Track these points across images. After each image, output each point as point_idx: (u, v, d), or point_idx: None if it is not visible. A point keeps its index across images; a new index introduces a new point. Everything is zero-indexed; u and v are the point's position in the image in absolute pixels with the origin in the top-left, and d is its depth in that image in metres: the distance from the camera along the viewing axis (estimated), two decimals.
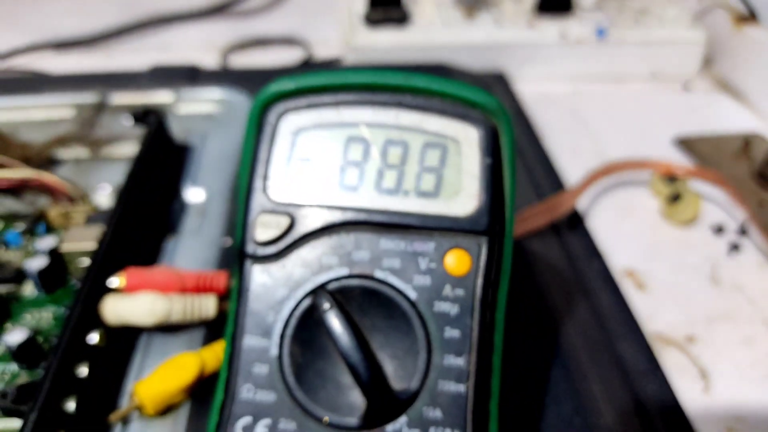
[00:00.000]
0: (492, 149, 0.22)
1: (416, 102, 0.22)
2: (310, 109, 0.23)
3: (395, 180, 0.23)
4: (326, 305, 0.21)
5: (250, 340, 0.22)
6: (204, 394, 0.29)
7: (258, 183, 0.23)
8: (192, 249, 0.37)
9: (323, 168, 0.23)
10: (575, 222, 0.42)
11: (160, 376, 0.28)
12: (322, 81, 0.23)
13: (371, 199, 0.22)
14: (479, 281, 0.22)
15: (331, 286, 0.22)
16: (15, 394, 0.27)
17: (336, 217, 0.22)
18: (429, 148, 0.23)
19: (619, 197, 0.47)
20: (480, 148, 0.22)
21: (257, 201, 0.23)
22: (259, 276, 0.22)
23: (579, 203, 0.44)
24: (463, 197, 0.22)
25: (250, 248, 0.23)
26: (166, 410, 0.28)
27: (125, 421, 0.28)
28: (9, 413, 0.27)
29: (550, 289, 0.36)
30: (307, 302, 0.22)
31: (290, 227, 0.23)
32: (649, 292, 0.39)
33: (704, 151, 0.51)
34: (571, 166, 0.48)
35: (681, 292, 0.39)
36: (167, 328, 0.31)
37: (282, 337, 0.22)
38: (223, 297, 0.32)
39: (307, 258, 0.22)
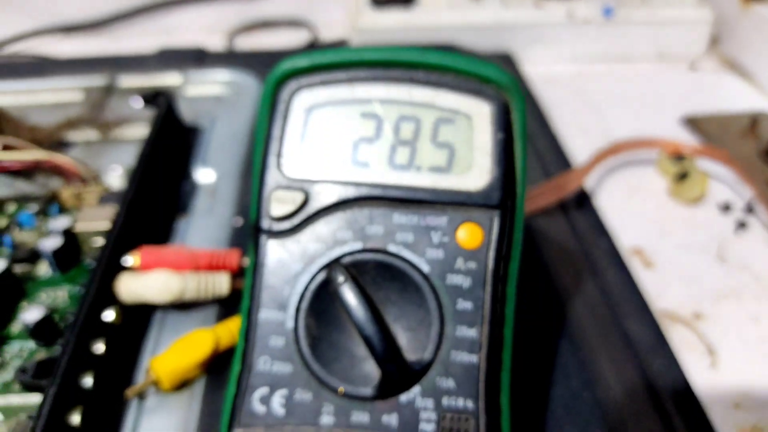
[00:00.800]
0: (504, 124, 0.22)
1: (429, 78, 0.23)
2: (324, 86, 0.23)
3: (408, 155, 0.23)
4: (341, 278, 0.22)
5: (266, 314, 0.22)
6: (219, 370, 0.29)
7: (272, 160, 0.23)
8: (203, 229, 0.37)
9: (337, 144, 0.23)
10: (582, 201, 0.42)
11: (175, 352, 0.28)
12: (336, 58, 0.23)
13: (384, 175, 0.23)
14: (491, 254, 0.22)
15: (346, 260, 0.22)
16: (34, 370, 0.27)
17: (349, 192, 0.23)
18: (441, 123, 0.23)
19: (626, 176, 0.47)
20: (492, 123, 0.22)
21: (272, 177, 0.23)
22: (274, 251, 0.23)
23: (586, 182, 0.44)
24: (476, 172, 0.22)
25: (265, 224, 0.23)
26: (182, 385, 0.29)
27: (142, 396, 0.29)
28: (29, 388, 0.28)
29: (557, 266, 0.37)
30: (321, 276, 0.22)
31: (304, 203, 0.23)
32: (657, 270, 0.40)
33: (711, 131, 0.51)
34: (578, 146, 0.49)
35: (688, 270, 0.40)
36: (181, 306, 0.32)
37: (297, 310, 0.22)
38: (236, 275, 0.32)
39: (321, 233, 0.23)
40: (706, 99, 0.56)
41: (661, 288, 0.38)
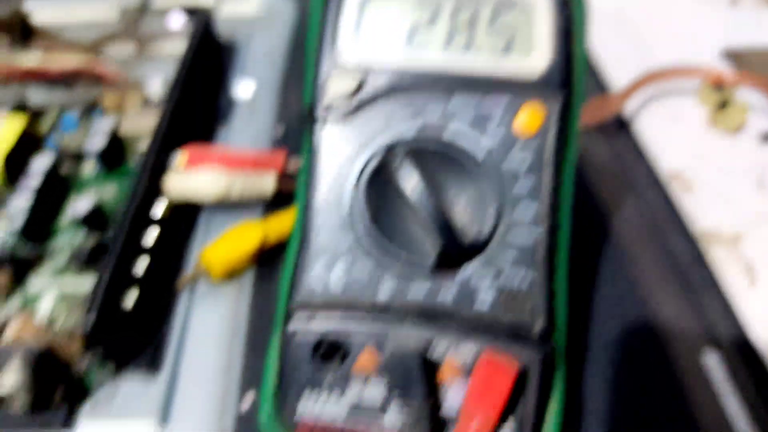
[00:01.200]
0: (564, 7, 0.22)
1: None
2: None
3: (466, 40, 0.23)
4: (397, 160, 0.22)
5: (323, 194, 0.23)
6: (268, 263, 0.30)
7: (327, 43, 0.23)
8: (244, 139, 0.38)
9: (393, 29, 0.23)
10: (622, 125, 0.42)
11: (225, 242, 0.29)
12: None
13: (441, 60, 0.23)
14: (549, 137, 0.22)
15: (401, 144, 0.22)
16: (88, 254, 0.28)
17: (405, 77, 0.23)
18: (501, 7, 0.23)
19: (666, 104, 0.46)
20: (552, 7, 0.22)
21: (327, 61, 0.23)
22: (329, 136, 0.23)
23: (626, 108, 0.43)
24: (535, 56, 0.22)
25: (321, 109, 0.23)
26: (232, 276, 0.29)
27: (193, 285, 0.29)
28: (82, 272, 0.28)
29: (597, 185, 0.37)
30: (377, 160, 0.22)
31: (360, 88, 0.23)
32: (696, 193, 0.39)
33: (751, 64, 0.50)
34: (617, 77, 0.48)
35: (728, 195, 0.39)
36: (227, 206, 0.32)
37: (354, 193, 0.22)
38: (282, 176, 0.32)
39: (376, 118, 0.23)
40: (747, 34, 0.54)
41: (701, 211, 0.38)
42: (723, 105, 0.44)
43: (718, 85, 0.45)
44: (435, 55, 0.23)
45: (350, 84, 0.23)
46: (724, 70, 0.46)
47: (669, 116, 0.45)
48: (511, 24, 0.22)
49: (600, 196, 0.36)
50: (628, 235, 0.34)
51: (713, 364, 0.28)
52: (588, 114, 0.41)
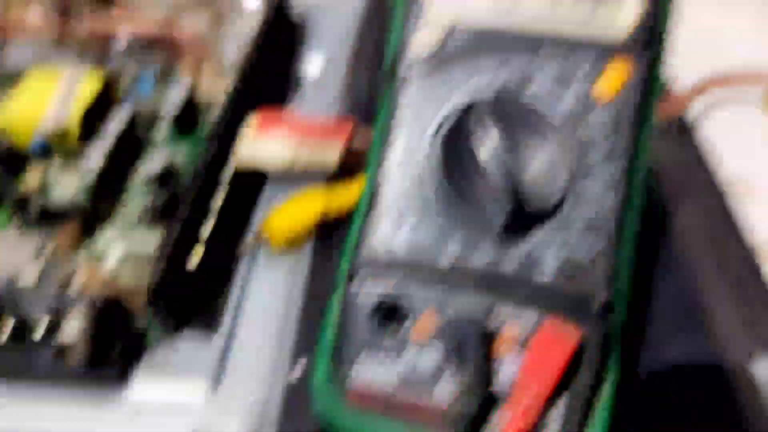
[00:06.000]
0: None
1: None
2: None
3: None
4: (473, 121, 0.21)
5: (398, 150, 0.22)
6: (328, 235, 0.29)
7: (413, 5, 0.23)
8: (313, 112, 0.37)
9: None
10: (684, 127, 0.40)
11: (287, 210, 0.29)
12: None
13: (528, 15, 0.22)
14: (631, 100, 0.21)
15: (479, 104, 0.22)
16: (157, 212, 0.28)
17: (488, 36, 0.22)
18: None
19: (730, 110, 0.44)
20: None
21: (413, 18, 0.23)
22: (409, 93, 0.23)
23: (690, 110, 0.42)
24: (624, 11, 0.21)
25: (402, 67, 0.23)
26: (293, 245, 0.29)
27: (254, 252, 0.29)
28: (151, 227, 0.29)
29: (655, 187, 0.36)
30: (454, 119, 0.22)
31: (442, 46, 0.22)
32: (756, 202, 0.38)
33: None
34: (682, 76, 0.46)
35: None
36: (291, 176, 0.32)
37: (429, 151, 0.22)
38: (347, 148, 0.32)
39: (456, 77, 0.22)
40: None
41: (759, 220, 0.36)
42: None
43: None
44: (522, 10, 0.22)
45: (435, 40, 0.23)
46: None
47: (733, 122, 0.44)
48: None
49: (659, 198, 0.35)
50: (686, 239, 0.33)
51: (764, 372, 0.27)
52: None
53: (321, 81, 0.41)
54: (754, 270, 0.31)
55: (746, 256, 0.32)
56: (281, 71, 0.42)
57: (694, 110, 0.43)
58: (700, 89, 0.42)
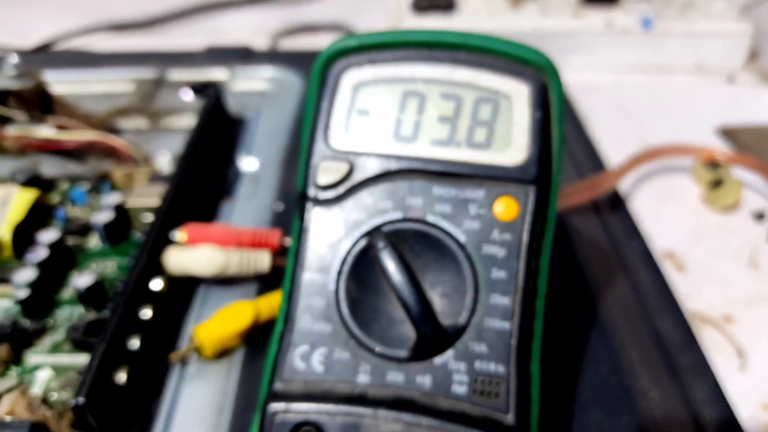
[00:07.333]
0: (542, 104, 0.23)
1: (470, 59, 0.24)
2: (371, 64, 0.24)
3: (448, 132, 0.24)
4: (381, 244, 0.23)
5: (309, 276, 0.23)
6: (258, 342, 0.30)
7: (320, 132, 0.25)
8: (246, 213, 0.39)
9: (381, 119, 0.24)
10: (616, 203, 0.42)
11: (218, 320, 0.29)
12: (383, 38, 0.24)
13: (425, 149, 0.24)
14: (526, 227, 0.23)
15: (386, 228, 0.23)
16: (84, 328, 0.29)
17: (392, 165, 0.24)
18: (481, 102, 0.24)
19: (660, 182, 0.47)
20: (530, 102, 0.24)
21: (319, 148, 0.24)
22: (319, 217, 0.24)
23: (621, 186, 0.44)
24: (513, 149, 0.23)
25: (312, 192, 0.24)
26: (223, 354, 0.30)
27: (184, 362, 0.30)
28: (78, 347, 0.29)
29: (589, 263, 0.37)
30: (363, 242, 0.23)
31: (349, 173, 0.24)
32: (689, 273, 0.40)
33: (746, 141, 0.51)
34: (614, 154, 0.49)
35: (720, 275, 0.40)
36: (224, 281, 0.33)
37: (339, 274, 0.23)
38: (277, 253, 0.33)
39: (364, 202, 0.24)
40: (743, 111, 0.56)
41: (693, 291, 0.39)
42: (717, 183, 0.45)
43: (712, 163, 0.46)
44: (420, 144, 0.24)
45: (340, 169, 0.24)
46: (718, 148, 0.47)
47: (664, 194, 0.46)
48: (490, 117, 0.24)
49: (591, 273, 0.37)
50: (617, 314, 0.34)
51: None
52: (582, 191, 0.41)
53: (257, 178, 0.42)
54: (689, 343, 0.32)
55: (680, 329, 0.33)
56: (218, 168, 0.43)
57: (625, 185, 0.46)
58: (631, 164, 0.44)
